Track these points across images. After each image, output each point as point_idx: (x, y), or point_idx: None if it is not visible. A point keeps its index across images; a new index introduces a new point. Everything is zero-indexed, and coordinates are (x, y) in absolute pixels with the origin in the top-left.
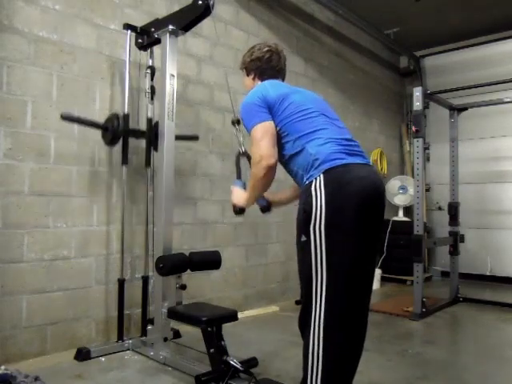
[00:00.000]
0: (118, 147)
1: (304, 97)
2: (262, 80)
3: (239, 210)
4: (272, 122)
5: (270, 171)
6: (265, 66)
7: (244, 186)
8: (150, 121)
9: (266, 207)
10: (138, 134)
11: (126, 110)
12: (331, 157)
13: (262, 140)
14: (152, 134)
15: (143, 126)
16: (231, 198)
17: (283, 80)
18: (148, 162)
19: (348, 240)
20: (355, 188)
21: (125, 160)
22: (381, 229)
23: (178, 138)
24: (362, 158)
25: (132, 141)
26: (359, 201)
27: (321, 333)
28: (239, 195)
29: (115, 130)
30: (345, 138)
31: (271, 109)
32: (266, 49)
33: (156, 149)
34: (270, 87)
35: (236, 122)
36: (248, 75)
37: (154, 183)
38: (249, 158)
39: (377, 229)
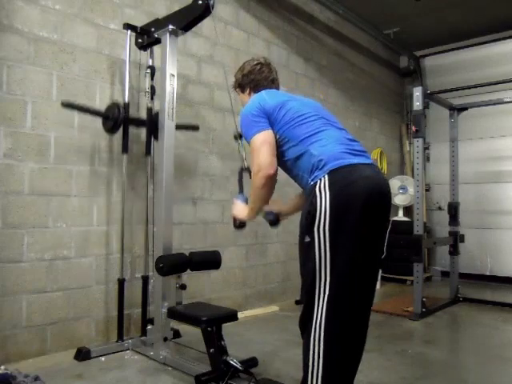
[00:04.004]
0: (118, 141)
1: (301, 103)
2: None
3: (239, 224)
4: (271, 131)
5: (270, 181)
6: (258, 77)
7: (246, 201)
8: (150, 110)
9: (274, 221)
10: (138, 122)
11: (126, 100)
12: (335, 157)
13: (260, 150)
14: (152, 123)
15: (143, 114)
16: (232, 211)
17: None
18: (148, 151)
19: (353, 241)
20: (360, 188)
21: (125, 148)
22: (386, 229)
23: (179, 127)
24: (365, 158)
25: (132, 132)
26: (364, 201)
27: (322, 333)
28: (240, 209)
29: (116, 118)
30: (347, 138)
31: (270, 117)
32: (256, 62)
33: (156, 138)
34: (267, 96)
35: (239, 137)
36: (243, 92)
37: (153, 172)
38: (251, 173)
39: (382, 229)
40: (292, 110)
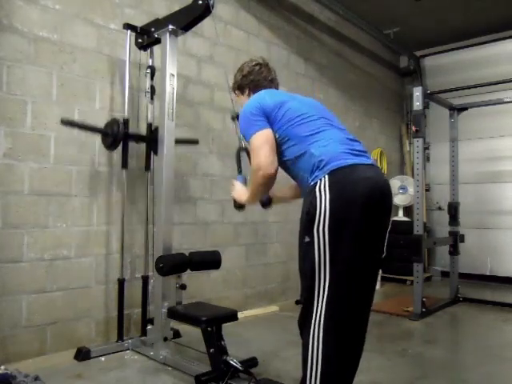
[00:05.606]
0: (118, 150)
1: (301, 103)
2: None
3: (239, 206)
4: (270, 130)
5: (269, 180)
6: (257, 77)
7: (245, 181)
8: (149, 125)
9: (266, 203)
10: (137, 138)
11: (126, 114)
12: (336, 157)
13: (260, 149)
14: (152, 138)
15: (143, 128)
16: (232, 192)
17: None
18: (148, 166)
19: (352, 241)
20: (360, 189)
21: (125, 164)
22: (387, 230)
23: (178, 141)
24: (366, 158)
25: (132, 145)
26: (364, 202)
27: (321, 333)
28: (240, 191)
29: (115, 135)
30: (348, 138)
31: (269, 116)
32: (254, 63)
33: (156, 153)
34: (267, 95)
35: (235, 117)
36: (243, 93)
37: (153, 186)
38: (248, 153)
39: (383, 230)
40: (292, 109)
